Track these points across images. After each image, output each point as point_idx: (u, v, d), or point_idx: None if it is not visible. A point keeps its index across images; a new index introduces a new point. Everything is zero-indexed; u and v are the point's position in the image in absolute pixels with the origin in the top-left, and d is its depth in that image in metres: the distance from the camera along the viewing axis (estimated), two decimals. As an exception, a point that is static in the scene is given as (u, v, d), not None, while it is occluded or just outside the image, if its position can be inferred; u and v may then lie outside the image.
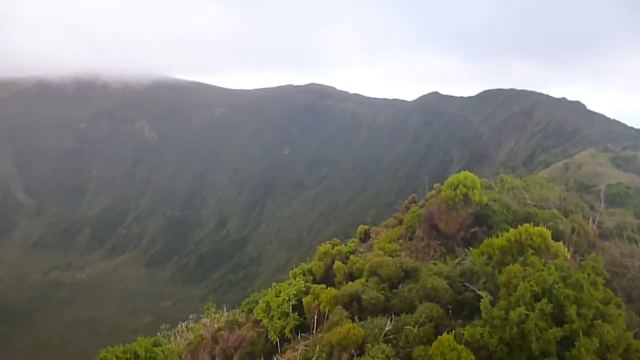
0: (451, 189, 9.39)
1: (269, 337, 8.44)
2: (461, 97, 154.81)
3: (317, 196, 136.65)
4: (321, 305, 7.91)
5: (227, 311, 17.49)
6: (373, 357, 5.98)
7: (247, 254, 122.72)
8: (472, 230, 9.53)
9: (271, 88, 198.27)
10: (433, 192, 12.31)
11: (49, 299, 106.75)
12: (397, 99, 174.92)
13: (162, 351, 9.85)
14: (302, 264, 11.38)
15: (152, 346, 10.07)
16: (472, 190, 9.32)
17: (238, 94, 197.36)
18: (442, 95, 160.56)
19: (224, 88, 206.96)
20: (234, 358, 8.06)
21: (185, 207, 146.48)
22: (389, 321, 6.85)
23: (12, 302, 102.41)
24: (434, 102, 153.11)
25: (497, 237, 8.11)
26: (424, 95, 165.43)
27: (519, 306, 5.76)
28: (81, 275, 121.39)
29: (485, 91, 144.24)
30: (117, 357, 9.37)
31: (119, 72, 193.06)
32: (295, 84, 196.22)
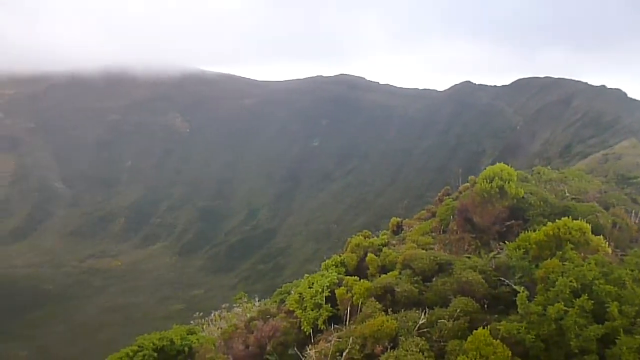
0: (486, 182, 9.22)
1: (301, 327, 8.51)
2: (494, 86, 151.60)
3: (346, 188, 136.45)
4: (354, 297, 7.92)
5: (258, 301, 17.74)
6: (407, 350, 5.97)
7: (276, 245, 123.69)
8: (508, 223, 9.36)
9: (300, 79, 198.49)
10: (467, 184, 12.11)
11: (84, 285, 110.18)
12: (428, 89, 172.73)
13: (197, 339, 10.04)
14: (333, 255, 11.40)
15: (187, 334, 10.27)
16: (509, 182, 9.14)
17: (267, 85, 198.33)
18: (474, 84, 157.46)
19: (253, 80, 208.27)
20: (268, 347, 8.17)
21: (215, 198, 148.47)
22: (422, 314, 6.82)
23: (50, 288, 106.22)
24: (466, 92, 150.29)
25: (534, 231, 7.95)
26: (455, 85, 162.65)
27: (558, 302, 5.66)
28: (115, 263, 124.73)
29: (520, 80, 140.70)
30: (153, 344, 9.59)
31: (150, 65, 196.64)
32: (325, 75, 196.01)
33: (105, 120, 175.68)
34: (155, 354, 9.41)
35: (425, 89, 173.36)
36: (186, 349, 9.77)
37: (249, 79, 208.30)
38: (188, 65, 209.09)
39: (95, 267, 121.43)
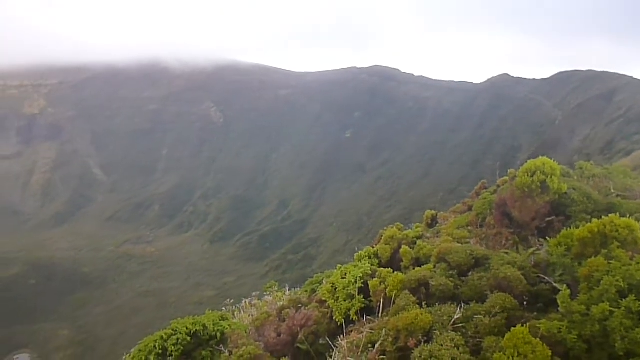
0: (528, 175, 8.91)
1: (333, 317, 8.49)
2: (533, 79, 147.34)
3: (378, 180, 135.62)
4: (388, 289, 7.83)
5: (289, 290, 17.86)
6: (441, 345, 5.85)
7: (307, 235, 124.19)
8: (548, 219, 9.05)
9: (334, 70, 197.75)
10: (506, 178, 11.78)
11: (121, 269, 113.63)
12: (464, 82, 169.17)
13: (229, 325, 10.16)
14: (366, 247, 11.32)
15: (220, 320, 10.40)
16: (551, 177, 8.81)
17: (301, 76, 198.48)
18: (512, 77, 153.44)
19: (288, 71, 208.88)
20: (299, 336, 8.18)
21: (248, 187, 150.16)
22: (458, 309, 6.68)
23: (89, 271, 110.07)
24: (503, 85, 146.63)
25: (577, 227, 7.65)
26: (493, 78, 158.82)
27: (602, 302, 5.44)
28: (150, 249, 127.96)
29: (560, 73, 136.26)
30: (187, 328, 9.76)
31: (186, 56, 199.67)
32: (359, 66, 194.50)
33: (144, 110, 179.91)
34: (189, 338, 9.57)
35: (461, 82, 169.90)
36: (218, 334, 9.90)
37: (283, 70, 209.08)
38: (224, 57, 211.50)
39: (131, 253, 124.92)
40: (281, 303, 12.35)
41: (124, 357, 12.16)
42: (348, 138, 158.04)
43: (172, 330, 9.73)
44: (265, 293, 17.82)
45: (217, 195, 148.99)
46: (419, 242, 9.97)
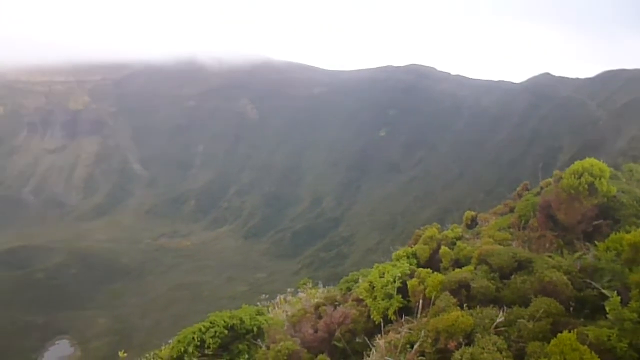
0: (575, 177, 8.62)
1: (371, 316, 8.45)
2: (577, 78, 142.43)
3: (413, 179, 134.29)
4: (427, 290, 7.73)
5: (322, 287, 17.91)
6: (483, 348, 5.73)
7: (340, 233, 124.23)
8: (596, 223, 8.74)
9: (370, 69, 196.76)
10: (549, 179, 11.44)
11: (157, 262, 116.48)
12: (502, 81, 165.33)
13: (265, 320, 10.26)
14: (402, 247, 11.21)
15: (256, 314, 10.52)
16: (600, 179, 8.50)
17: (337, 74, 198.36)
18: (554, 76, 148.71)
19: (323, 69, 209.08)
20: (336, 334, 8.17)
21: (282, 184, 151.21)
22: (500, 312, 6.52)
23: (127, 262, 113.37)
24: (544, 84, 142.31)
25: (627, 232, 7.36)
26: (533, 77, 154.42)
27: (656, 310, 5.21)
28: (186, 243, 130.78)
29: (606, 72, 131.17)
30: (224, 321, 9.91)
31: (222, 54, 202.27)
32: (395, 65, 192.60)
33: (181, 106, 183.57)
34: (226, 331, 9.72)
35: (499, 81, 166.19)
36: (255, 328, 10.02)
37: (318, 67, 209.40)
38: (258, 54, 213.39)
39: (167, 246, 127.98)
40: (316, 300, 12.38)
41: (162, 347, 12.45)
42: (382, 136, 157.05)
43: (210, 322, 9.91)
44: (299, 290, 17.91)
45: (251, 192, 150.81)
46: (458, 243, 9.82)
